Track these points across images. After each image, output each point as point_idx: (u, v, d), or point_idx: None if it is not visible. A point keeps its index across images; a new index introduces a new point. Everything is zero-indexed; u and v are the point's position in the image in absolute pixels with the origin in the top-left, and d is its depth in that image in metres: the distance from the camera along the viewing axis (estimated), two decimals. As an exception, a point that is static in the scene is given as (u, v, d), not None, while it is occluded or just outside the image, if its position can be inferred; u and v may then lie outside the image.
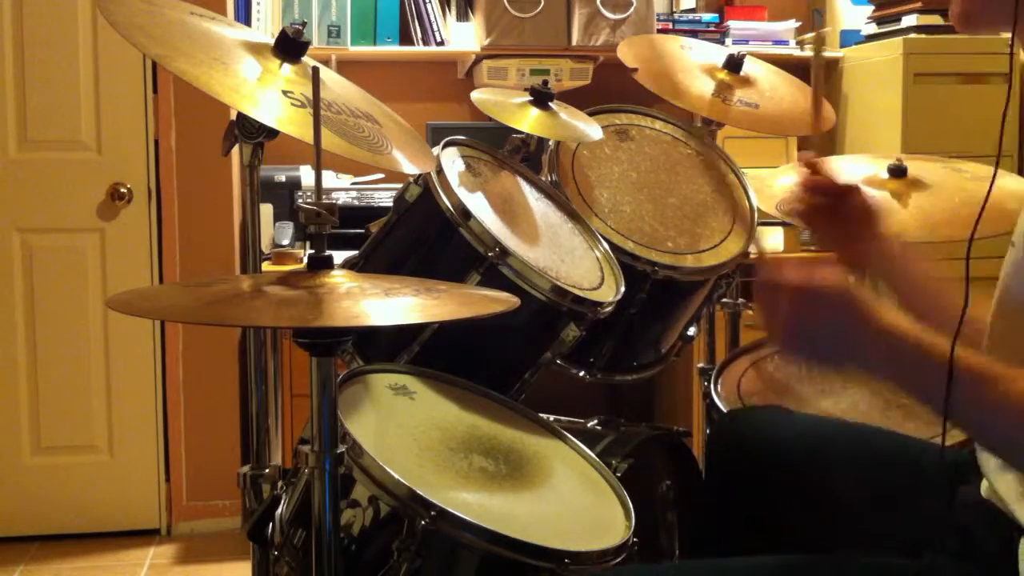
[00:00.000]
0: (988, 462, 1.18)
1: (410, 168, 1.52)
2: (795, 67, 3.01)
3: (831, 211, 1.43)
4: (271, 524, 1.44)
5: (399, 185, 1.75)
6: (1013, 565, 1.06)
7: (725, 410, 1.85)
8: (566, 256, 1.72)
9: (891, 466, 1.38)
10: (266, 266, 2.84)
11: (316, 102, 1.19)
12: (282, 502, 1.44)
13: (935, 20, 3.32)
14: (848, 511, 1.36)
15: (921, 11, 3.33)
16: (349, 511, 1.28)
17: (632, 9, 3.24)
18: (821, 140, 3.43)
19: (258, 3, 3.20)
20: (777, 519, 1.41)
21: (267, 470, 1.60)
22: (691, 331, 2.03)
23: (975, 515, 1.13)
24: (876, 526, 1.31)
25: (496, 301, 1.21)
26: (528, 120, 1.84)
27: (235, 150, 1.54)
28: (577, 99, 2.13)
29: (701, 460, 1.80)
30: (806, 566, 1.17)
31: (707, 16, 3.54)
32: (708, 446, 1.68)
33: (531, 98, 1.88)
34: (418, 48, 3.33)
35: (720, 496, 1.52)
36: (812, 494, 1.39)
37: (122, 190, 3.02)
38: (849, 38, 3.65)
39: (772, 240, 3.14)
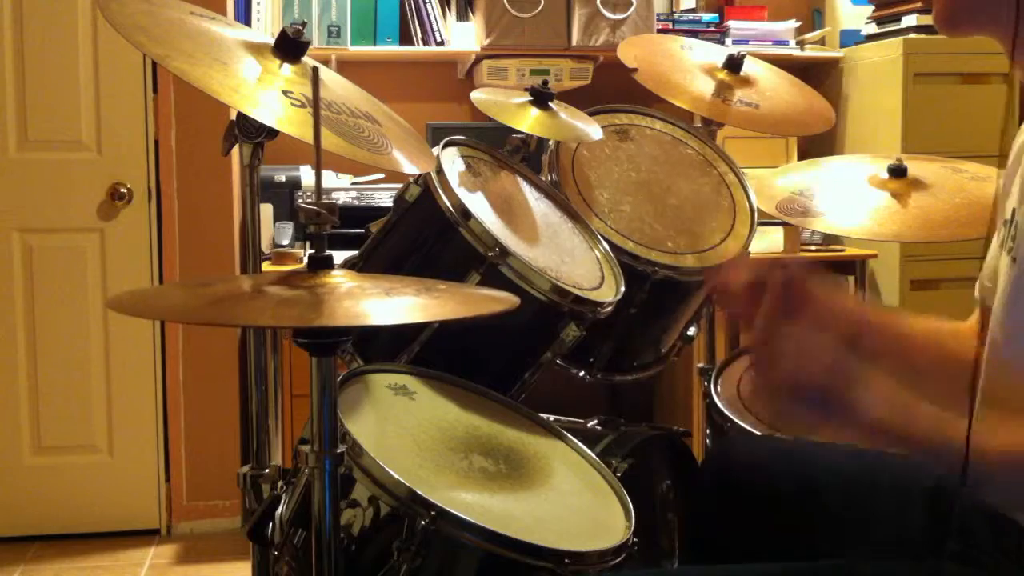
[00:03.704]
0: (988, 467, 1.17)
1: (410, 168, 1.52)
2: (795, 67, 3.01)
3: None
4: (271, 524, 1.44)
5: (399, 185, 1.75)
6: (1016, 568, 1.06)
7: (724, 412, 1.85)
8: (566, 256, 1.72)
9: (886, 469, 1.38)
10: (266, 266, 2.84)
11: (316, 102, 1.19)
12: (282, 502, 1.44)
13: (935, 20, 3.31)
14: (848, 515, 1.36)
15: (921, 11, 3.33)
16: (349, 511, 1.28)
17: (632, 9, 3.24)
18: (821, 140, 3.43)
19: (258, 3, 3.20)
20: (777, 523, 1.40)
21: (267, 470, 1.60)
22: (691, 331, 2.03)
23: (977, 518, 1.13)
24: (876, 530, 1.31)
25: (496, 301, 1.21)
26: (528, 120, 1.84)
27: (235, 150, 1.54)
28: (577, 99, 2.13)
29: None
30: (809, 572, 1.17)
31: (707, 16, 3.54)
32: (703, 467, 1.68)
33: (531, 98, 1.88)
34: (418, 48, 3.33)
35: (719, 503, 1.51)
36: (810, 501, 1.39)
37: (122, 190, 3.02)
38: (849, 38, 3.65)
39: (772, 240, 3.14)
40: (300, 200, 3.00)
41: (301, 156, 3.09)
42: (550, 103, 1.88)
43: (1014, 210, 1.14)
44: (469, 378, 1.60)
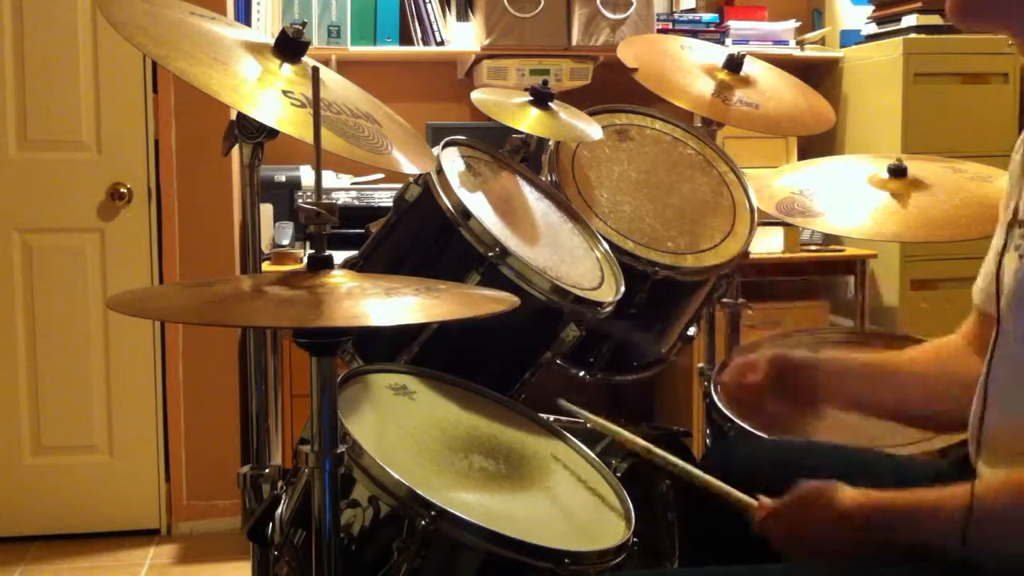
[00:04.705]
0: (986, 469, 1.17)
1: (410, 168, 1.52)
2: (795, 67, 3.01)
3: None
4: (271, 524, 1.44)
5: (399, 185, 1.75)
6: (1019, 570, 1.06)
7: (724, 412, 1.85)
8: (566, 256, 1.72)
9: (886, 469, 1.38)
10: (266, 266, 2.84)
11: (316, 102, 1.19)
12: (282, 502, 1.44)
13: (935, 20, 3.32)
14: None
15: (921, 11, 3.33)
16: (349, 511, 1.28)
17: (632, 9, 3.24)
18: (821, 140, 3.43)
19: (258, 3, 3.20)
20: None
21: (267, 470, 1.60)
22: (691, 331, 2.03)
23: None
24: None
25: (496, 301, 1.21)
26: (528, 120, 1.84)
27: (235, 150, 1.54)
28: (577, 99, 2.13)
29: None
30: (809, 573, 1.17)
31: (707, 16, 3.54)
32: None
33: (531, 98, 1.88)
34: (418, 48, 3.33)
35: (719, 504, 1.51)
36: None
37: (122, 190, 3.02)
38: (849, 38, 3.65)
39: (772, 240, 3.14)
40: (300, 200, 3.00)
41: (301, 156, 3.09)
42: (550, 103, 1.88)
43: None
44: (469, 378, 1.60)
